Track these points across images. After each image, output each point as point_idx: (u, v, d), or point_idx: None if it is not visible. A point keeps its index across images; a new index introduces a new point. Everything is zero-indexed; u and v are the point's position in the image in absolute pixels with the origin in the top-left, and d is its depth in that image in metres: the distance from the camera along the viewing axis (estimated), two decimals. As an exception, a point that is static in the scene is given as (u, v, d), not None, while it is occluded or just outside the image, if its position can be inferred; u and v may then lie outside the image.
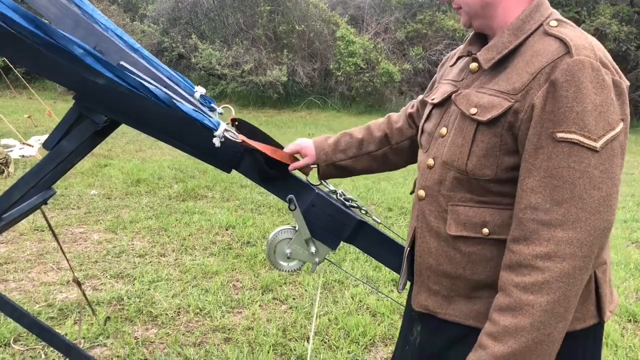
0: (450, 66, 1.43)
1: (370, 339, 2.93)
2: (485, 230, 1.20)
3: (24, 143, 7.66)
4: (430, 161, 1.31)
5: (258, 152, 1.57)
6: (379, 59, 15.11)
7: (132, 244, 4.20)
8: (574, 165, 1.06)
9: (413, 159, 1.71)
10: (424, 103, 1.64)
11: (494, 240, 1.20)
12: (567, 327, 1.10)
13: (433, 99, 1.39)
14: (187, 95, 1.63)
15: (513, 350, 1.08)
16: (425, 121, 1.41)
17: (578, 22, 15.15)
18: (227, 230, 4.62)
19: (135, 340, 2.81)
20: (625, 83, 1.13)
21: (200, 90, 1.66)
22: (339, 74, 14.96)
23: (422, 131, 1.41)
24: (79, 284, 2.43)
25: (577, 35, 1.13)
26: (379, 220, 1.86)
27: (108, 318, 2.98)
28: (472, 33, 1.36)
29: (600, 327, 1.28)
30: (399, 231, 4.75)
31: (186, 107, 1.45)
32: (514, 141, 1.15)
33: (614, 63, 1.14)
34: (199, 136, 1.50)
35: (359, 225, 1.70)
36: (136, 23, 16.45)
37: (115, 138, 8.57)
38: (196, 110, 1.47)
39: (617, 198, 1.09)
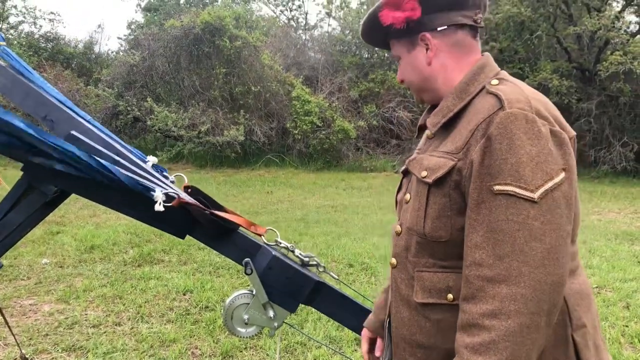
0: (416, 137, 1.47)
1: (335, 402, 2.86)
2: (450, 296, 1.17)
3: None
4: (398, 228, 1.32)
5: (201, 210, 1.57)
6: (334, 117, 15.44)
7: (86, 314, 4.04)
8: (512, 217, 1.04)
9: None
10: None
11: (459, 306, 1.15)
12: None
13: (401, 169, 1.43)
14: (139, 162, 1.63)
15: None
16: (398, 191, 1.43)
17: (522, 78, 15.90)
18: (184, 295, 4.51)
19: (88, 418, 2.66)
20: (570, 134, 1.14)
21: (152, 160, 1.66)
22: (296, 132, 15.18)
23: (396, 202, 1.43)
24: (26, 361, 2.31)
25: (513, 90, 1.14)
26: (337, 277, 1.86)
27: (59, 395, 2.83)
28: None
29: None
30: (361, 287, 4.73)
31: (126, 177, 1.44)
32: (462, 200, 1.15)
33: (556, 114, 1.15)
34: (146, 203, 1.49)
35: (318, 286, 1.69)
36: (90, 87, 16.41)
37: (68, 204, 8.36)
38: (138, 181, 1.47)
39: (566, 250, 1.06)
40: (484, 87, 1.21)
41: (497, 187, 1.06)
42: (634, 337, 3.76)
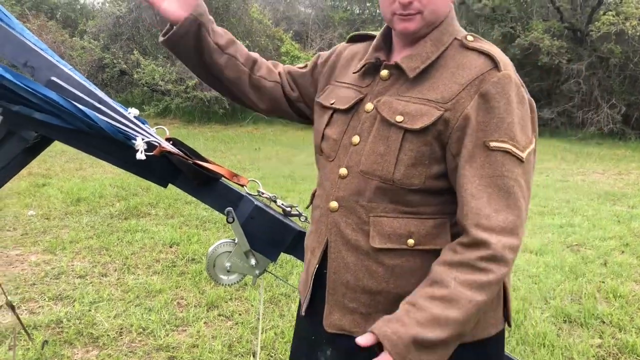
0: (354, 72, 1.34)
1: (317, 351, 2.94)
2: (411, 241, 1.18)
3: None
4: (343, 171, 1.25)
5: (183, 159, 1.57)
6: (324, 74, 15.25)
7: (72, 265, 4.07)
8: (507, 174, 1.10)
9: (258, 105, 1.56)
10: (294, 76, 1.55)
11: (419, 251, 1.18)
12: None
13: (332, 103, 1.33)
14: (121, 111, 1.62)
15: (440, 338, 1.06)
16: (327, 126, 1.33)
17: (513, 37, 15.79)
18: (171, 247, 4.55)
19: (75, 364, 2.73)
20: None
21: (133, 112, 1.65)
22: (285, 88, 15.01)
23: (324, 137, 1.33)
24: (12, 308, 2.33)
25: (500, 52, 1.19)
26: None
27: (46, 342, 2.88)
28: (377, 39, 1.34)
29: (504, 331, 1.33)
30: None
31: (106, 124, 1.44)
32: (441, 149, 1.16)
33: None
34: (127, 151, 1.49)
35: (299, 235, 1.72)
36: (75, 39, 16.01)
37: (54, 157, 8.31)
38: (119, 129, 1.47)
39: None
40: (454, 39, 1.22)
41: (493, 144, 1.11)
42: (609, 292, 3.87)
